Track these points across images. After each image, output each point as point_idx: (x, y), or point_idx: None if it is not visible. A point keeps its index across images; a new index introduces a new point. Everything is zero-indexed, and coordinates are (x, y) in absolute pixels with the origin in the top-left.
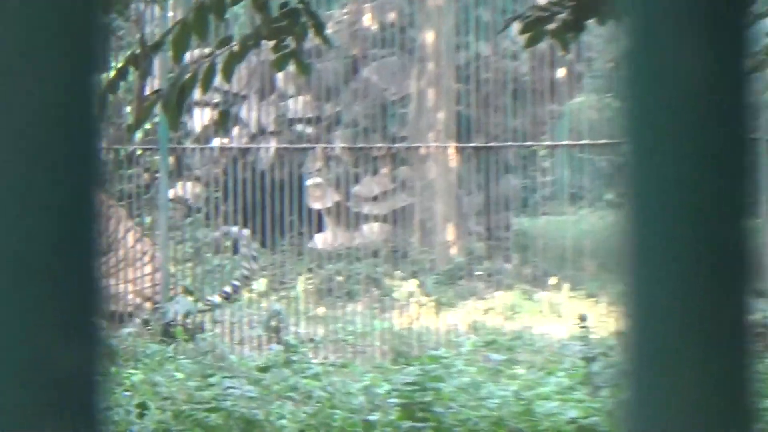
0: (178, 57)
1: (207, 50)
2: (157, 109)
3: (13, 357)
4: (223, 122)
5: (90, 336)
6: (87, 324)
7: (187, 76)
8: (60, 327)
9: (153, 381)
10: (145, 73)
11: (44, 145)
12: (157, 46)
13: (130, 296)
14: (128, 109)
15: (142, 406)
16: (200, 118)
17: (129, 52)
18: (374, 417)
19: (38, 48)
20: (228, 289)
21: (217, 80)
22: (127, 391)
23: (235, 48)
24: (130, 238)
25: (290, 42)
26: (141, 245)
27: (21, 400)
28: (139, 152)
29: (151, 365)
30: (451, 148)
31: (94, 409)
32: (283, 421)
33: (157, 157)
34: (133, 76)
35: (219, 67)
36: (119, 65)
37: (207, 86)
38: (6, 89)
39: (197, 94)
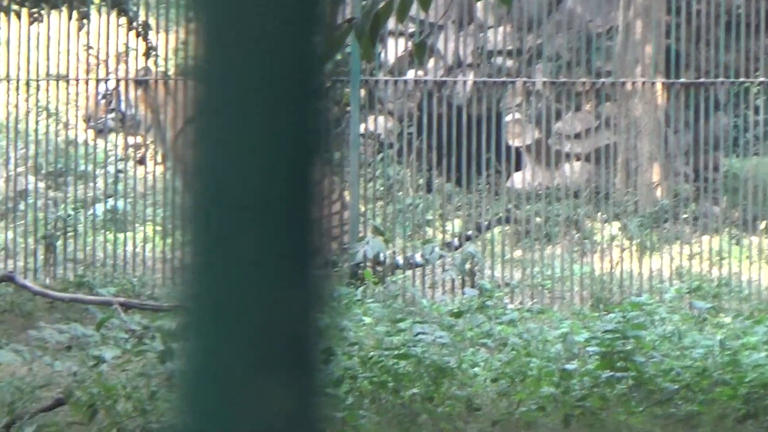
0: None
1: None
2: (349, 38)
3: (240, 305)
4: (421, 54)
5: (310, 283)
6: (308, 272)
7: (383, 3)
8: (283, 274)
9: (340, 325)
10: (338, 0)
11: (270, 96)
12: None
13: None
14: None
15: (328, 352)
16: (394, 49)
17: None
18: (572, 366)
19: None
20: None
21: (413, 9)
22: None
23: None
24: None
25: None
26: (328, 182)
27: (245, 347)
28: (328, 84)
29: (337, 309)
30: (659, 83)
31: (313, 355)
32: (477, 369)
33: (347, 90)
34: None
35: None
36: None
37: (403, 15)
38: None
39: (391, 23)
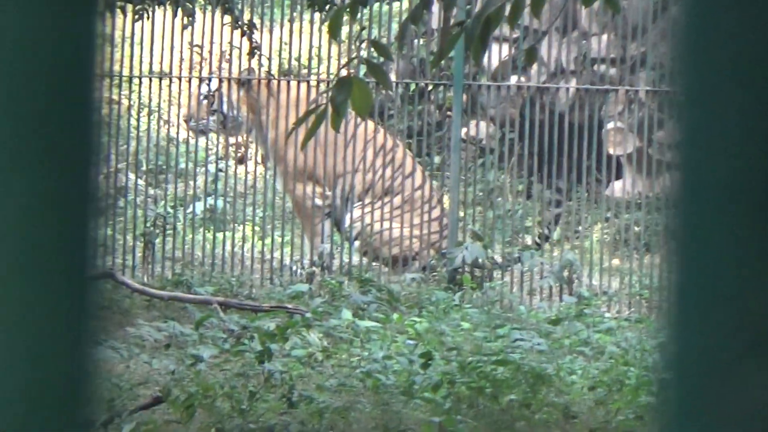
0: None
1: None
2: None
3: (723, 292)
4: (531, 59)
5: None
6: None
7: (494, 8)
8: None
9: (438, 330)
10: (451, 4)
11: None
12: None
13: (414, 241)
14: (420, 42)
15: (427, 356)
16: (497, 54)
17: None
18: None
19: None
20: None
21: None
22: (411, 339)
23: None
24: (418, 177)
25: None
26: (427, 187)
27: (728, 334)
28: (430, 88)
29: (436, 314)
30: None
31: None
32: (574, 377)
33: (450, 94)
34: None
35: (527, 1)
36: None
37: (515, 20)
38: None
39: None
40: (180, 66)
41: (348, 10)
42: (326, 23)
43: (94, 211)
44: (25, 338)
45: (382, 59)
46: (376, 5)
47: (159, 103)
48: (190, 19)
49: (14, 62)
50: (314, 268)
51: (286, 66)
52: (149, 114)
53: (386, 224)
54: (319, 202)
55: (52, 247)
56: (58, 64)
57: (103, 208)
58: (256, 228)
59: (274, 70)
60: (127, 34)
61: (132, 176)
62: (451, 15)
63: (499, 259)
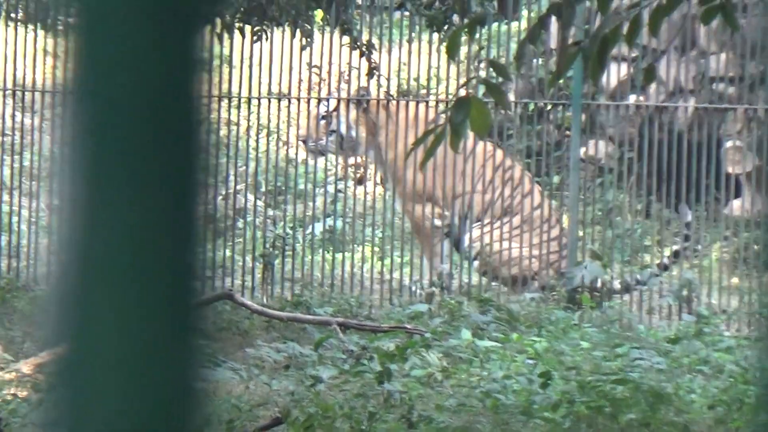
0: (604, 7)
1: (630, 0)
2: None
3: None
4: (650, 78)
5: None
6: None
7: (611, 27)
8: None
9: (557, 349)
10: (569, 23)
11: None
12: None
13: (533, 260)
14: (539, 62)
15: (546, 376)
16: (616, 74)
17: (551, 1)
18: None
19: None
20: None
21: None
22: (531, 359)
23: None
24: (536, 196)
25: None
26: (546, 206)
27: None
28: (548, 107)
29: (555, 333)
30: None
31: None
32: (693, 396)
33: (568, 114)
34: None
35: (645, 19)
36: (542, 14)
37: (632, 39)
38: None
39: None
40: (299, 87)
41: (466, 30)
42: (444, 43)
43: (204, 232)
44: (137, 360)
45: (500, 79)
46: (495, 25)
47: (278, 124)
48: (309, 40)
49: (119, 86)
50: (433, 288)
51: (405, 86)
52: (268, 135)
53: (505, 244)
54: (437, 222)
55: (162, 270)
56: (162, 87)
57: (222, 230)
58: (375, 248)
59: (393, 91)
60: (246, 55)
61: (251, 197)
62: (569, 34)
63: (617, 285)
